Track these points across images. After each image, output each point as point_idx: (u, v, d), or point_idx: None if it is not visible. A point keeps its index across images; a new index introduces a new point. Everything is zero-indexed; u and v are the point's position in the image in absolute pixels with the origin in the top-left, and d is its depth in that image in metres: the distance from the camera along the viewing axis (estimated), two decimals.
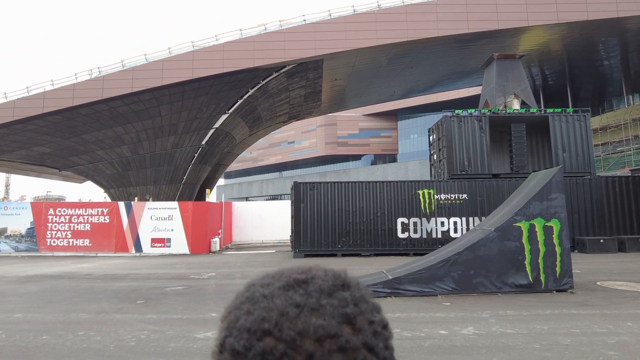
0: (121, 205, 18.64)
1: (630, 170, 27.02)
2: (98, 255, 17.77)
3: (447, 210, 15.99)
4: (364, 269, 11.75)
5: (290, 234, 17.72)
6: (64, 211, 18.54)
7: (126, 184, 28.17)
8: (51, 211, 18.57)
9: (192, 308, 7.62)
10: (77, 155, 27.95)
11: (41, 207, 18.92)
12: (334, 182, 16.05)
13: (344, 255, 15.48)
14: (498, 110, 19.31)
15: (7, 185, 62.17)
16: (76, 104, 23.17)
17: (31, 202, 20.72)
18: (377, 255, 15.48)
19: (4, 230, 18.75)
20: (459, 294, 8.19)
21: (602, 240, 15.29)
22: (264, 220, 21.16)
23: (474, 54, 25.23)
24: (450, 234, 15.56)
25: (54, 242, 18.30)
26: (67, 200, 51.66)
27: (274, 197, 52.68)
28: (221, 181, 60.10)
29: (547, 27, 22.37)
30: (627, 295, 8.08)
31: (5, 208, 19.28)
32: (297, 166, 62.25)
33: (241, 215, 21.59)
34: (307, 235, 15.42)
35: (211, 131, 26.38)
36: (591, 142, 17.95)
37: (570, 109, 18.85)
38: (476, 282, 8.34)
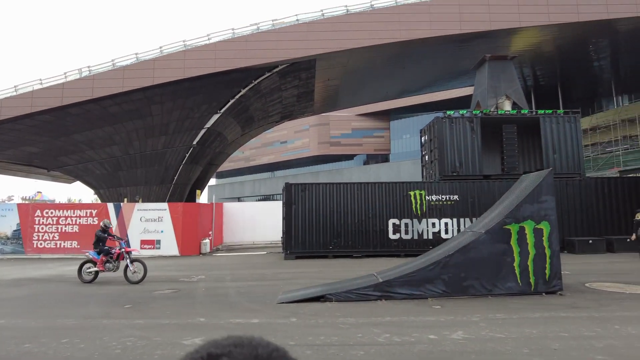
0: (110, 206, 18.40)
1: (618, 171, 27.31)
2: None
3: (438, 211, 16.01)
4: (355, 271, 11.71)
5: (281, 235, 17.65)
6: (52, 212, 18.22)
7: (116, 185, 27.87)
8: (38, 212, 18.22)
9: (181, 312, 7.53)
10: (67, 155, 27.61)
11: (28, 209, 18.61)
12: (326, 183, 16.00)
13: (335, 256, 15.44)
14: (490, 111, 19.38)
15: None
16: (66, 104, 22.90)
17: (18, 204, 20.36)
18: (368, 256, 15.46)
19: None
20: (450, 297, 8.18)
21: (590, 241, 15.42)
22: (255, 221, 21.02)
23: (468, 54, 25.33)
24: (441, 235, 15.59)
25: (41, 243, 17.99)
26: (57, 201, 50.97)
27: (267, 197, 52.40)
28: (212, 181, 59.76)
29: (539, 28, 22.51)
30: (615, 297, 8.13)
31: None
32: (290, 166, 61.99)
33: (232, 216, 21.44)
34: (299, 237, 15.36)
35: (203, 131, 26.21)
36: (581, 143, 18.11)
37: (560, 110, 18.97)
38: (467, 285, 8.33)
